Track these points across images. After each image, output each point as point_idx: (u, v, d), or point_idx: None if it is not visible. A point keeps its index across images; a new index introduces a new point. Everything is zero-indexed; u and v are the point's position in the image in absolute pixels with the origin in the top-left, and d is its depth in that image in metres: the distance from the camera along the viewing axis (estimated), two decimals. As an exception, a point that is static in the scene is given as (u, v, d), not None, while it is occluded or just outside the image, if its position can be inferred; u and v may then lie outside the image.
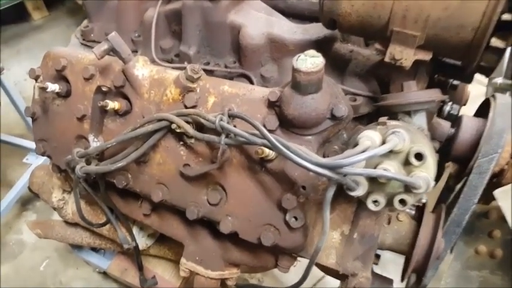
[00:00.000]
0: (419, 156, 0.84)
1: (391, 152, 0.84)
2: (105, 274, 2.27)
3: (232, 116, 0.99)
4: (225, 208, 1.10)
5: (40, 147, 1.39)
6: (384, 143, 0.86)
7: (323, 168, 0.81)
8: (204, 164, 1.09)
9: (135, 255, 1.54)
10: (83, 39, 1.54)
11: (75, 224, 1.79)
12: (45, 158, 1.92)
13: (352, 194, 0.86)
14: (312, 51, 0.90)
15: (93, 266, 2.24)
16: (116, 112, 1.19)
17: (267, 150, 0.97)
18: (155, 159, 1.16)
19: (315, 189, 1.01)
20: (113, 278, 2.20)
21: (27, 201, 2.89)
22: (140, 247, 1.59)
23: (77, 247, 2.15)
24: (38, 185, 1.75)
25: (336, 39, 1.19)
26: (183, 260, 1.28)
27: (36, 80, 1.31)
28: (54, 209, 1.71)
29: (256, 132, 0.92)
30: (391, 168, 0.84)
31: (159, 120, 1.06)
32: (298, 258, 1.22)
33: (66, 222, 1.81)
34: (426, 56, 0.96)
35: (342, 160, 0.80)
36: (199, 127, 1.04)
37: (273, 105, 1.00)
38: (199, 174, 1.08)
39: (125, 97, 1.20)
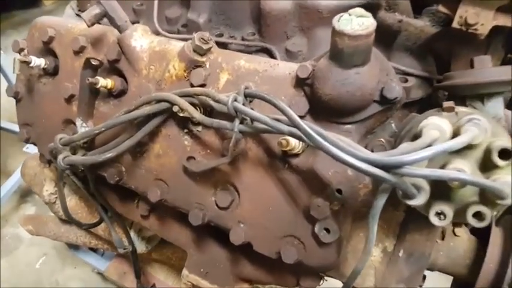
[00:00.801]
0: (505, 154, 0.63)
1: (464, 147, 0.63)
2: (104, 275, 2.10)
3: (249, 96, 0.80)
4: (236, 213, 0.92)
5: (23, 132, 1.22)
6: (455, 134, 0.64)
7: (375, 167, 0.60)
8: (212, 157, 0.92)
9: (132, 261, 1.36)
10: (79, 10, 1.35)
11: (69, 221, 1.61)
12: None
13: (411, 203, 0.64)
14: (359, 10, 0.68)
15: (91, 265, 2.07)
16: (109, 92, 1.05)
17: (292, 142, 0.78)
18: (154, 150, 1.00)
19: (354, 193, 0.79)
20: (112, 280, 2.03)
21: (26, 192, 2.77)
22: (139, 250, 1.43)
23: (74, 246, 1.98)
24: (30, 177, 1.59)
25: (381, 7, 0.99)
26: (185, 272, 1.10)
27: (19, 54, 1.12)
28: (46, 203, 1.54)
29: (281, 117, 0.72)
30: (466, 169, 0.62)
31: (159, 101, 0.90)
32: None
33: (61, 219, 1.63)
34: (509, 22, 0.74)
35: (402, 156, 0.59)
36: (208, 111, 0.88)
37: (303, 84, 0.80)
38: (206, 170, 0.91)
39: (120, 74, 1.04)
